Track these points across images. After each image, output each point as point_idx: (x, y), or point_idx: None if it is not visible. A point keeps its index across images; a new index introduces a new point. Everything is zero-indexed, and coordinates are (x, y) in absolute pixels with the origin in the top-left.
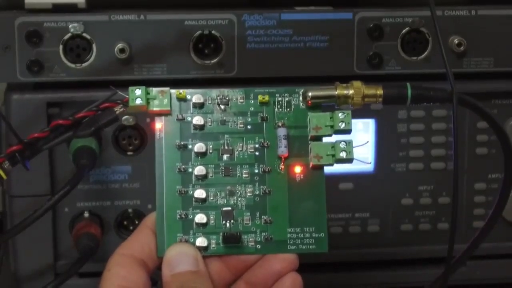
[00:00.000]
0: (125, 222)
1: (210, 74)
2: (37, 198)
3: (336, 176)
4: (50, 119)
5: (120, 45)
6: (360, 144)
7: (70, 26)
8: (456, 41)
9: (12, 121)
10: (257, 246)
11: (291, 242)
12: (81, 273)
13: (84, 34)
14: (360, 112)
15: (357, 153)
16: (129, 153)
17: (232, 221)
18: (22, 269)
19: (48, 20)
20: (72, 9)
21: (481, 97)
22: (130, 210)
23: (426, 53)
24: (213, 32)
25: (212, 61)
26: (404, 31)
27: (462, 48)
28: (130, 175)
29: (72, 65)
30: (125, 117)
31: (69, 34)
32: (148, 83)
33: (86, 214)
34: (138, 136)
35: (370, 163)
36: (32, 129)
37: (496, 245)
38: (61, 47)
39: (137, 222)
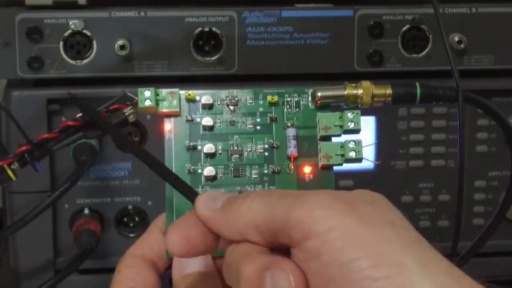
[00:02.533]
0: (125, 219)
1: (211, 71)
2: (37, 195)
3: (336, 173)
4: (50, 116)
5: (120, 42)
6: (367, 144)
7: (70, 22)
8: (456, 38)
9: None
10: None
11: None
12: (81, 269)
13: (85, 31)
14: (361, 109)
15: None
16: None
17: None
18: (22, 266)
19: (48, 16)
20: (72, 5)
21: (481, 95)
22: (130, 207)
23: (426, 50)
24: (213, 29)
25: (212, 58)
26: (404, 28)
27: (462, 45)
28: (130, 172)
29: (73, 62)
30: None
31: (70, 31)
32: (148, 80)
33: (86, 211)
34: (138, 133)
35: (379, 162)
36: (32, 126)
37: (496, 243)
38: (61, 43)
39: (137, 219)
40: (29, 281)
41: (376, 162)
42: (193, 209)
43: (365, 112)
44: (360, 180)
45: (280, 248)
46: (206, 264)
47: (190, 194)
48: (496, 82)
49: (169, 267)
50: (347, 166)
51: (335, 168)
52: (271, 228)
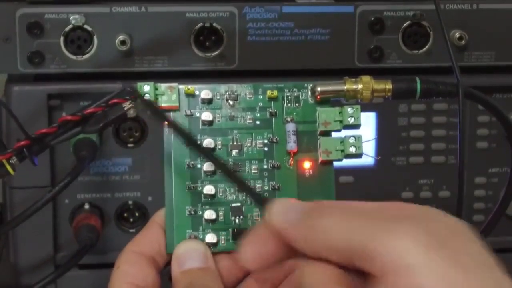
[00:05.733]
0: (125, 214)
1: (211, 66)
2: (37, 190)
3: (336, 169)
4: (51, 111)
5: (121, 37)
6: (367, 139)
7: (71, 17)
8: (457, 35)
9: (12, 113)
10: None
11: None
12: (81, 264)
13: (85, 26)
14: (362, 104)
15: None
16: (129, 145)
17: (241, 217)
18: (22, 261)
19: (49, 11)
20: (73, 0)
21: (482, 91)
22: (130, 202)
23: (427, 46)
24: (214, 24)
25: (213, 54)
26: (405, 24)
27: (463, 42)
28: (131, 167)
29: (73, 57)
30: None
31: (70, 26)
32: (149, 75)
33: (86, 206)
34: (138, 128)
35: (379, 157)
36: (32, 121)
37: (496, 239)
38: (62, 38)
39: (137, 214)
40: (29, 276)
41: (376, 158)
42: (264, 219)
43: (365, 108)
44: (361, 176)
45: (358, 270)
46: (206, 260)
47: (256, 196)
48: (497, 79)
49: (168, 262)
50: (347, 162)
51: (335, 164)
52: (349, 253)
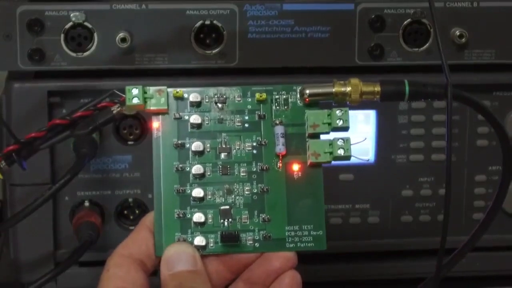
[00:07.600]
0: (125, 212)
1: (211, 64)
2: (37, 187)
3: (336, 166)
4: (51, 108)
5: (121, 35)
6: (358, 141)
7: (71, 15)
8: (457, 32)
9: (12, 110)
10: (256, 244)
11: (289, 240)
12: (81, 262)
13: (86, 23)
14: (361, 103)
15: (357, 145)
16: (129, 142)
17: (230, 219)
18: (22, 258)
19: (49, 9)
20: None
21: (482, 89)
22: (130, 200)
23: (427, 44)
24: (214, 22)
25: (213, 51)
26: (405, 22)
27: (463, 39)
28: (131, 165)
29: (73, 54)
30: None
31: (71, 23)
32: (149, 73)
33: (87, 203)
34: (138, 126)
35: (368, 160)
36: (32, 118)
37: (496, 237)
38: (62, 36)
39: (137, 211)
40: (29, 273)
41: (365, 160)
42: None
43: (365, 106)
44: (361, 174)
45: None
46: (195, 262)
47: None
48: (497, 76)
49: (158, 265)
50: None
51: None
52: None
